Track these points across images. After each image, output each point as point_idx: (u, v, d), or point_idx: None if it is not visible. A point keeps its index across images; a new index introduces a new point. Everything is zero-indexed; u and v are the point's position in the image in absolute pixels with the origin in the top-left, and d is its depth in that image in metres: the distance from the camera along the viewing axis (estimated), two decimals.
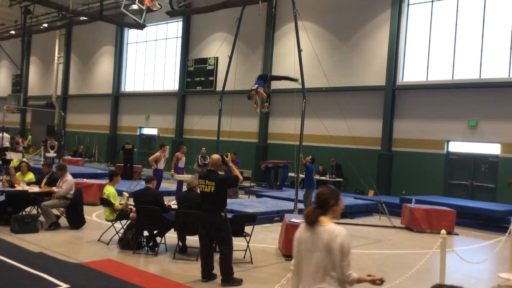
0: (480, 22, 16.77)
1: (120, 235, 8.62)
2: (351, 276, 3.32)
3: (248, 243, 8.04)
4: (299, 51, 12.08)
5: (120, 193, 9.50)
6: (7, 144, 23.09)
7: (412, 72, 18.45)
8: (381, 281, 3.42)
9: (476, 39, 16.85)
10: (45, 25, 32.08)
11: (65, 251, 7.92)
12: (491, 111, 16.23)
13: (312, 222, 3.43)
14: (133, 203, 8.71)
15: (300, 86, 12.18)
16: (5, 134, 23.41)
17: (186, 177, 14.64)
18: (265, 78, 12.46)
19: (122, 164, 20.77)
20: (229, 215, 7.55)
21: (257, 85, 11.82)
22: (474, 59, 16.89)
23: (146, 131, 28.86)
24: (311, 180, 13.02)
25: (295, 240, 3.55)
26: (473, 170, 16.79)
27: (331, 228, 3.41)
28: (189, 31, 26.25)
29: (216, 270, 6.76)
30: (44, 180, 10.26)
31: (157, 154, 14.91)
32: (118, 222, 8.87)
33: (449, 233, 11.37)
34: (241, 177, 7.10)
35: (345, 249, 3.34)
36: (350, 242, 3.38)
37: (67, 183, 9.78)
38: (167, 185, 17.59)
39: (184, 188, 9.96)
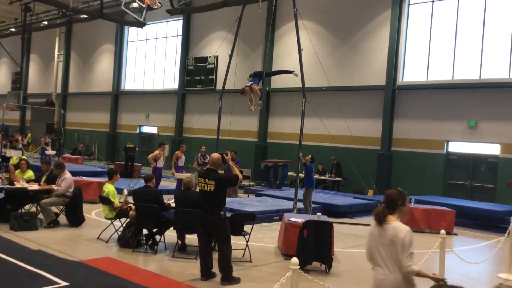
0: (481, 22, 16.77)
1: (119, 233, 8.61)
2: (410, 268, 3.73)
3: (247, 242, 8.04)
4: (299, 50, 12.06)
5: (120, 191, 9.50)
6: None
7: (412, 72, 18.45)
8: (444, 282, 3.68)
9: (476, 39, 16.85)
10: (45, 22, 32.04)
11: (64, 249, 7.92)
12: (491, 112, 16.23)
13: (380, 220, 3.94)
14: (133, 202, 8.71)
15: (298, 77, 12.14)
16: None
17: (185, 175, 14.62)
18: (261, 76, 12.39)
19: (123, 162, 20.83)
20: (228, 214, 7.55)
21: (251, 82, 11.77)
22: (474, 59, 16.89)
23: (146, 129, 28.86)
24: (311, 179, 13.01)
25: (367, 235, 4.09)
26: (472, 170, 16.80)
27: (396, 225, 3.85)
28: (189, 29, 26.24)
29: (215, 268, 6.75)
30: (43, 178, 10.26)
31: (156, 152, 14.90)
32: (118, 220, 8.86)
33: (448, 233, 11.37)
34: (241, 176, 7.09)
35: (406, 243, 3.73)
36: (412, 238, 3.77)
37: (65, 181, 9.77)
38: (167, 183, 17.58)
39: None
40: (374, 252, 3.96)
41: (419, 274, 3.80)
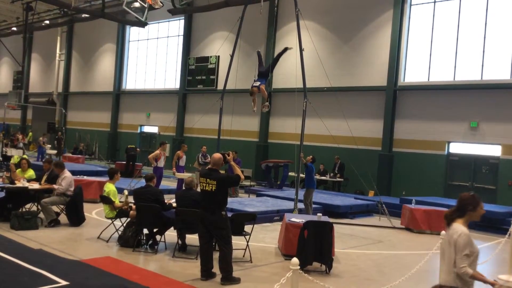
0: (483, 23, 16.76)
1: (119, 232, 8.61)
2: (463, 269, 3.86)
3: (247, 242, 8.03)
4: (301, 50, 12.05)
5: (120, 191, 9.49)
6: None
7: (413, 72, 18.44)
8: None
9: (478, 40, 16.83)
10: (47, 22, 32.08)
11: (64, 248, 7.92)
12: (492, 113, 16.22)
13: (448, 222, 4.10)
14: (133, 201, 8.70)
15: (293, 50, 12.07)
16: None
17: (186, 175, 14.61)
18: (267, 74, 12.29)
19: (124, 162, 20.86)
20: (229, 214, 7.54)
21: (259, 83, 11.70)
22: (476, 60, 16.87)
23: (147, 129, 28.88)
24: (312, 179, 13.00)
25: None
26: (473, 171, 16.78)
27: (455, 227, 4.01)
28: (190, 29, 26.25)
29: (216, 268, 6.75)
30: (44, 177, 10.26)
31: (157, 152, 14.81)
32: (118, 219, 8.86)
33: None
34: (242, 176, 7.06)
35: (459, 245, 3.88)
36: (467, 240, 3.89)
37: (66, 180, 9.77)
38: (168, 183, 17.58)
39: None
40: (442, 251, 4.18)
41: (475, 277, 3.89)
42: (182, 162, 15.69)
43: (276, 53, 21.94)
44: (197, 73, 25.42)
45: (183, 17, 26.36)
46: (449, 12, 17.60)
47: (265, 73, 12.16)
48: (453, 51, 17.41)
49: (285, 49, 12.16)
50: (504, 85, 16.01)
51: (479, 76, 16.75)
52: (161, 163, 14.79)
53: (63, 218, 9.90)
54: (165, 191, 11.27)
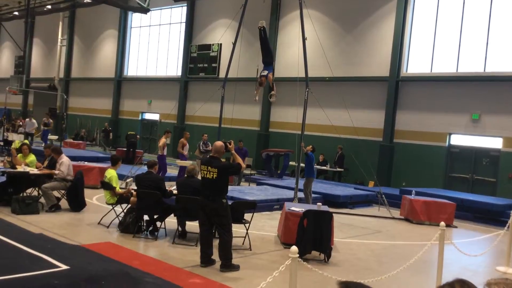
0: (486, 15, 16.65)
1: (120, 218, 8.65)
2: None
3: (247, 230, 8.08)
4: (304, 39, 11.99)
5: (121, 177, 9.51)
6: (33, 130, 23.23)
7: (416, 63, 18.37)
8: None
9: (481, 32, 16.73)
10: (49, 7, 31.91)
11: (65, 233, 7.96)
12: (494, 105, 16.18)
13: None
14: (134, 187, 8.73)
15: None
16: (33, 120, 23.63)
17: (188, 163, 14.62)
18: (271, 62, 12.08)
19: (125, 149, 20.86)
20: (229, 202, 7.56)
21: (267, 72, 11.56)
22: (479, 52, 16.79)
23: (148, 116, 28.86)
24: (312, 169, 13.02)
25: None
26: (474, 163, 16.78)
27: None
28: (193, 16, 26.11)
29: (215, 255, 6.79)
30: (45, 163, 10.29)
31: (164, 140, 14.91)
32: (119, 205, 8.90)
33: (448, 225, 11.41)
34: (243, 165, 7.07)
35: None
36: None
37: (63, 165, 9.79)
38: (169, 170, 17.57)
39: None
40: None
41: None
42: (184, 150, 15.70)
43: (278, 42, 21.97)
44: (199, 60, 25.32)
45: (186, 4, 26.21)
46: (453, 3, 17.47)
47: (270, 60, 11.98)
48: (456, 42, 17.31)
49: (260, 29, 11.69)
50: (507, 77, 15.94)
51: (482, 68, 16.68)
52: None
53: (63, 203, 9.94)
54: (166, 178, 11.29)
